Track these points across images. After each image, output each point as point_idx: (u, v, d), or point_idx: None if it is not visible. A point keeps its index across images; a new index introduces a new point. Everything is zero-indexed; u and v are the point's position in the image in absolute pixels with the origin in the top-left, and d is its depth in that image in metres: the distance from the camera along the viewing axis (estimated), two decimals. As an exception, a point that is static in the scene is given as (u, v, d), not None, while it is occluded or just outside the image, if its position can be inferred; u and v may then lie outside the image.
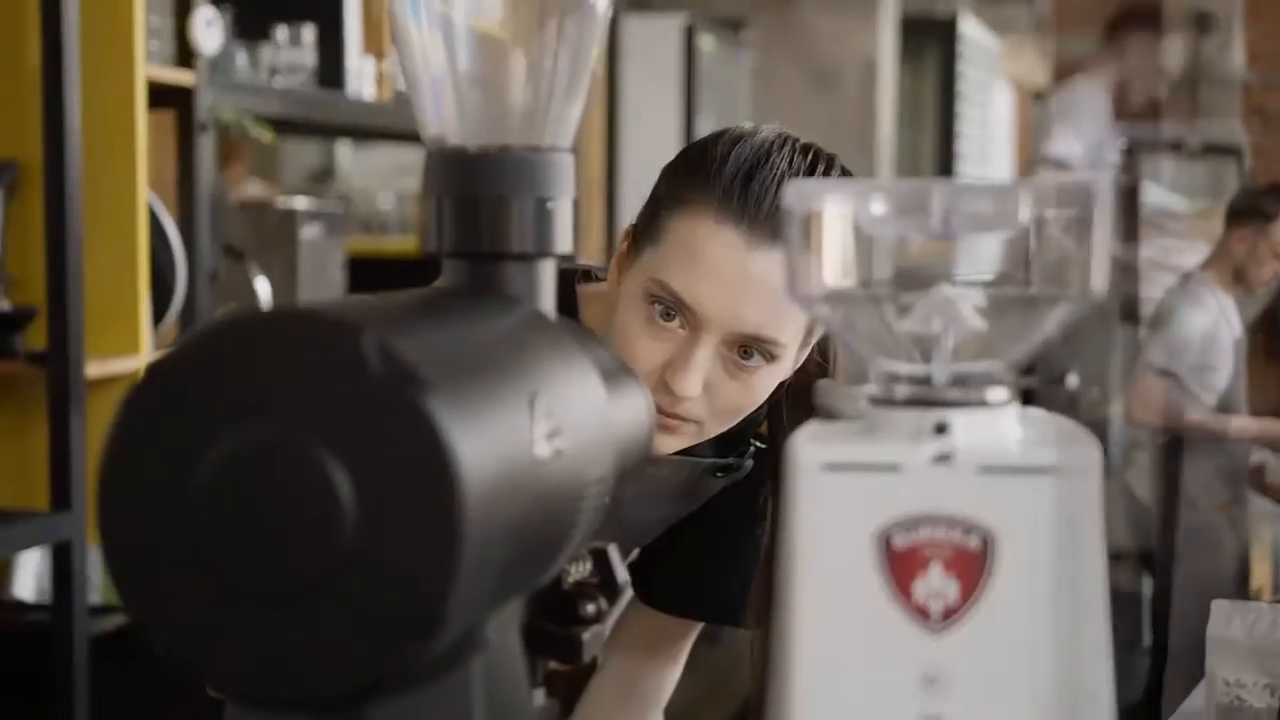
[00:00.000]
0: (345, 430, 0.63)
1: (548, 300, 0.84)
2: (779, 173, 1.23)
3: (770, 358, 1.23)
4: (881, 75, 5.79)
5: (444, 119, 0.85)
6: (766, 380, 1.25)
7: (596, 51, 0.86)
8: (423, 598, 0.62)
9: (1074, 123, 4.38)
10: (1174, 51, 4.25)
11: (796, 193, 0.72)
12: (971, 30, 7.60)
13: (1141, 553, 4.33)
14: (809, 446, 0.70)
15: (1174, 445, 4.08)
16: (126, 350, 2.54)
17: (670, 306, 1.22)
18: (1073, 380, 4.61)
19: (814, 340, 1.30)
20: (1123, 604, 4.48)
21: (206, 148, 2.72)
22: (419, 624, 0.62)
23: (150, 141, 2.64)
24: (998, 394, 0.72)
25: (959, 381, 0.72)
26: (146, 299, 2.55)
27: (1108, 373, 4.68)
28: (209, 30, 2.68)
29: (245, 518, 0.64)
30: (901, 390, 0.72)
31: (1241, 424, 4.01)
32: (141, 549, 0.66)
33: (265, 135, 2.78)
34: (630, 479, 0.90)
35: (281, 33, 3.05)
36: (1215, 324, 3.95)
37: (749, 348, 1.22)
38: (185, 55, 2.70)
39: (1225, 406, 4.00)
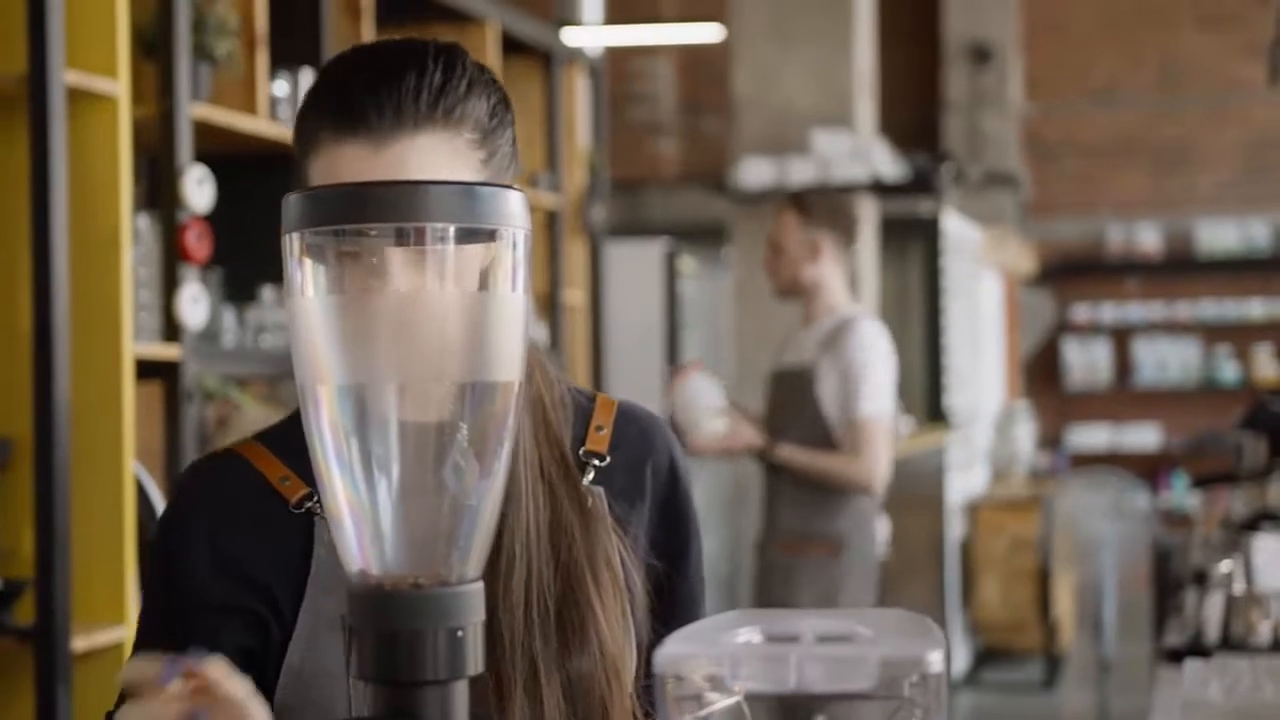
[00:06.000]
0: None
1: (460, 720, 0.92)
2: (373, 63, 1.22)
3: None
4: (864, 283, 5.92)
5: (365, 554, 0.94)
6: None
7: (497, 495, 0.95)
8: None
9: None
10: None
11: (667, 657, 0.80)
12: (954, 225, 7.78)
13: None
14: None
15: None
16: (113, 620, 2.61)
17: None
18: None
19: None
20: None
21: (192, 416, 2.82)
22: None
23: (138, 410, 2.74)
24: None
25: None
26: (133, 570, 2.63)
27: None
28: (194, 306, 2.80)
29: None
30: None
31: (789, 452, 3.81)
32: None
33: (248, 404, 2.89)
34: None
35: (268, 294, 3.17)
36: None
37: None
38: (172, 329, 2.82)
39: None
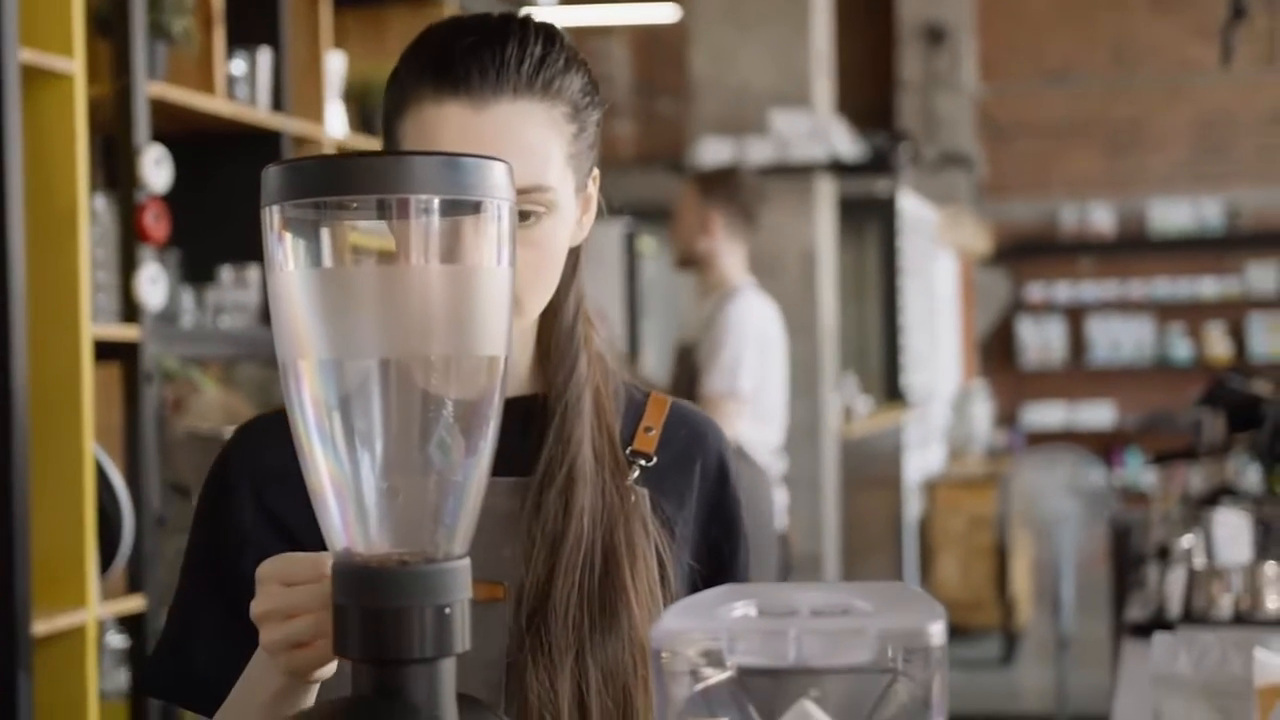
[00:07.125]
0: None
1: (446, 699, 0.90)
2: (477, 29, 1.22)
3: (547, 207, 1.22)
4: (821, 262, 5.93)
5: (349, 532, 0.92)
6: (552, 233, 1.23)
7: (483, 471, 0.93)
8: None
9: None
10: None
11: (663, 632, 0.79)
12: (910, 205, 7.80)
13: None
14: None
15: None
16: (74, 604, 2.58)
17: None
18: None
19: (594, 182, 1.29)
20: None
21: (151, 397, 2.79)
22: None
23: (97, 391, 2.70)
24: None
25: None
26: (93, 553, 2.60)
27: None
28: (153, 287, 2.77)
29: None
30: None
31: None
32: None
33: (207, 385, 2.86)
34: None
35: (226, 274, 3.14)
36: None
37: (522, 209, 1.19)
38: (131, 309, 2.78)
39: None
